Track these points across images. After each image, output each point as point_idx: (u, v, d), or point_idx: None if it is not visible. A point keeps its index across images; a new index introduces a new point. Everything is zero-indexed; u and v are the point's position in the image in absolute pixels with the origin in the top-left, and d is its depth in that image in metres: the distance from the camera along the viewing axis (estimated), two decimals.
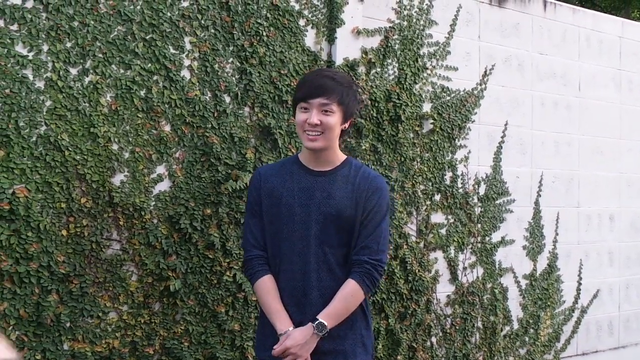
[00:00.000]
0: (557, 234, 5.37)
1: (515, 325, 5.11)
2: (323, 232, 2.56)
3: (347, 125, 2.66)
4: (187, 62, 3.64)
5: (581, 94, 5.54)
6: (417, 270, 4.50)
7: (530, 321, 5.19)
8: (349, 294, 2.58)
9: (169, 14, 3.57)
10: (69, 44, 3.26)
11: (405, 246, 4.45)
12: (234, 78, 3.79)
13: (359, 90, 2.77)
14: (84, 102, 3.32)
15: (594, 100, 5.64)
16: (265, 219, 2.66)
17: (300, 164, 2.69)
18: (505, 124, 5.05)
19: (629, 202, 5.89)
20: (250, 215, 2.74)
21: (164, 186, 3.58)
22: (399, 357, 4.42)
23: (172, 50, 3.59)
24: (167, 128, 3.59)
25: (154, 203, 3.54)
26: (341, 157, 2.70)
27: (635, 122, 5.95)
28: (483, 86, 4.92)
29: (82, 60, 3.31)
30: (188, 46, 3.64)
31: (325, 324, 2.52)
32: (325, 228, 2.56)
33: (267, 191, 2.67)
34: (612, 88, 5.78)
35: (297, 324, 2.60)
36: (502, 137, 5.02)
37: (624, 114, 5.87)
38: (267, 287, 2.64)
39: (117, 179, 3.43)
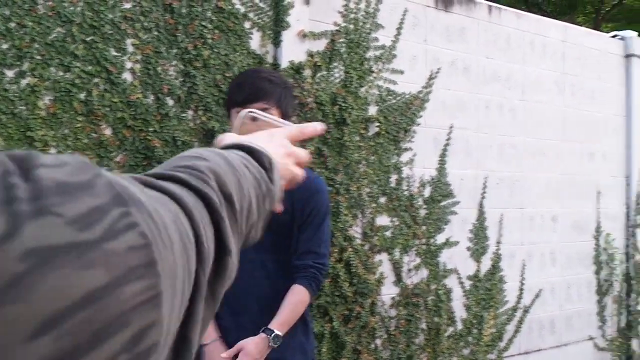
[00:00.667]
0: (500, 235, 5.46)
1: (459, 326, 5.18)
2: (260, 240, 2.50)
3: None
4: (129, 65, 3.58)
5: (525, 97, 5.63)
6: (362, 273, 4.52)
7: (474, 321, 5.26)
8: (299, 301, 2.55)
9: (110, 16, 3.51)
10: (5, 46, 3.18)
11: (350, 249, 4.47)
12: (177, 81, 3.75)
13: (293, 89, 2.67)
14: (21, 106, 3.25)
15: (538, 103, 5.74)
16: None
17: None
18: (451, 127, 5.10)
19: (570, 203, 6.02)
20: None
21: None
22: None
23: (113, 53, 3.53)
24: (108, 132, 3.53)
25: None
26: None
27: (577, 125, 6.08)
28: (429, 89, 4.96)
29: (19, 62, 3.24)
30: (130, 48, 3.59)
31: (280, 334, 2.47)
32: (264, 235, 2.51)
33: None
34: (555, 91, 5.89)
35: (231, 332, 2.55)
36: (447, 140, 5.07)
37: (567, 117, 5.99)
38: None
39: None
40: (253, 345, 2.41)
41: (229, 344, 2.51)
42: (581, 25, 15.11)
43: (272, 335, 2.44)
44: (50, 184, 0.48)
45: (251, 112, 1.21)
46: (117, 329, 0.47)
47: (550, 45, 5.85)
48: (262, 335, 2.44)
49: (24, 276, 0.43)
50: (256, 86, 2.45)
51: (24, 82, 3.26)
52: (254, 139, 1.01)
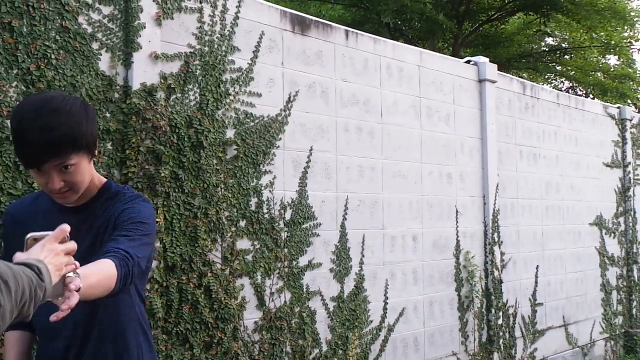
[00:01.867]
0: (363, 256, 5.53)
1: (324, 348, 5.19)
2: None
3: (95, 152, 2.17)
4: None
5: (383, 120, 5.77)
6: (222, 298, 4.44)
7: (339, 342, 5.28)
8: (106, 269, 1.94)
9: None
10: None
11: (209, 274, 4.39)
12: (18, 103, 3.57)
13: (87, 108, 2.10)
14: None
15: (396, 126, 5.89)
16: None
17: (52, 200, 2.21)
18: (310, 149, 5.14)
19: (430, 223, 6.20)
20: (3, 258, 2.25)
21: None
22: None
23: None
24: None
25: None
26: (98, 184, 2.24)
27: (434, 147, 6.29)
28: (287, 112, 4.98)
29: None
30: None
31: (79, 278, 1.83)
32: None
33: (18, 234, 2.09)
34: (412, 114, 6.08)
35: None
36: (307, 162, 5.11)
37: (424, 139, 6.18)
38: (10, 343, 2.28)
39: None
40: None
41: None
42: (441, 50, 15.83)
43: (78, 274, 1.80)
44: None
45: (30, 236, 1.75)
46: None
47: (406, 70, 6.04)
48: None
49: None
50: (41, 142, 1.94)
51: None
52: (32, 254, 1.66)
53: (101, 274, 1.89)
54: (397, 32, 14.44)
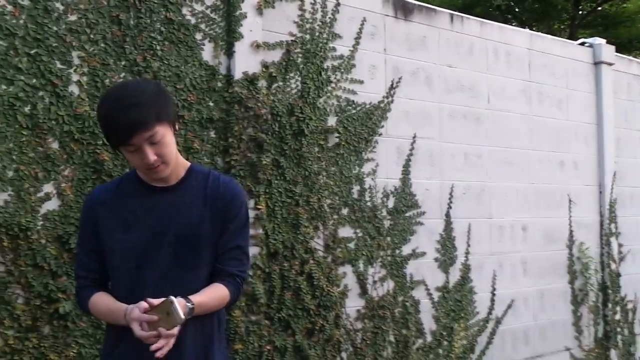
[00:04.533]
0: (469, 246, 5.41)
1: (429, 338, 5.11)
2: (179, 255, 2.25)
3: (177, 127, 2.31)
4: (75, 77, 3.54)
5: (490, 105, 5.61)
6: (324, 286, 4.46)
7: (444, 333, 5.19)
8: (221, 297, 2.28)
9: (55, 28, 3.47)
10: None
11: (311, 261, 4.41)
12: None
13: (162, 87, 2.32)
14: None
15: (504, 111, 5.71)
16: (107, 247, 2.28)
17: (140, 181, 2.32)
18: (414, 137, 5.07)
19: (540, 212, 5.98)
20: (81, 245, 2.38)
21: (52, 205, 3.47)
22: None
23: (59, 65, 3.49)
24: (55, 145, 3.48)
25: (41, 222, 3.43)
26: (184, 164, 2.36)
27: (545, 133, 6.05)
28: (390, 99, 4.93)
29: None
30: (76, 61, 3.55)
31: (193, 309, 2.16)
32: (181, 249, 2.25)
33: (106, 217, 2.29)
34: (521, 100, 5.87)
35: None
36: (410, 150, 5.04)
37: (534, 125, 5.96)
38: (101, 299, 2.30)
39: (0, 199, 3.31)
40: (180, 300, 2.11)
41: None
42: (557, 33, 15.22)
43: (190, 305, 2.14)
44: None
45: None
46: None
47: (515, 54, 5.84)
48: (183, 300, 2.13)
49: None
50: (127, 120, 2.09)
51: None
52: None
53: (215, 301, 2.27)
54: (509, 14, 14.00)
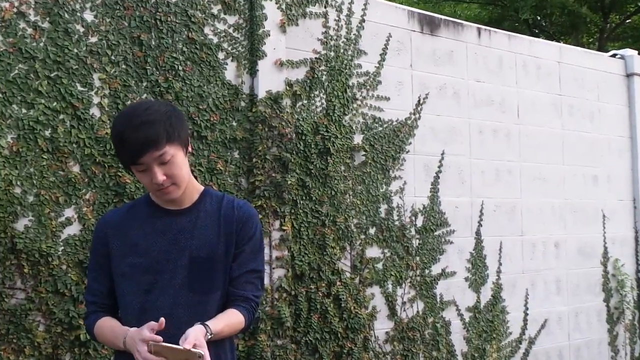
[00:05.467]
0: (500, 264, 5.26)
1: None
2: (193, 279, 2.19)
3: (189, 149, 2.27)
4: (96, 100, 3.49)
5: (520, 120, 5.47)
6: (352, 308, 4.35)
7: (476, 355, 5.05)
8: (236, 323, 2.22)
9: (75, 51, 3.43)
10: None
11: (338, 282, 4.30)
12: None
13: (175, 108, 2.24)
14: None
15: (535, 126, 5.57)
16: (117, 271, 2.23)
17: (153, 204, 2.27)
18: (442, 154, 4.95)
19: (574, 228, 5.81)
20: (91, 269, 2.32)
21: (73, 229, 3.41)
22: None
23: (79, 88, 3.44)
24: (76, 169, 3.43)
25: (62, 248, 3.38)
26: (198, 187, 2.31)
27: (577, 148, 5.89)
28: (417, 115, 4.82)
29: None
30: (97, 83, 3.50)
31: (212, 336, 2.10)
32: (195, 273, 2.20)
33: (116, 240, 2.24)
34: (552, 113, 5.73)
35: None
36: (439, 167, 4.92)
37: (566, 139, 5.81)
38: (107, 323, 2.23)
39: (21, 224, 3.26)
40: (199, 332, 2.03)
41: None
42: (586, 46, 14.99)
43: (209, 334, 2.06)
44: None
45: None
46: None
47: (545, 67, 5.70)
48: (203, 328, 2.06)
49: None
50: (137, 138, 2.07)
51: None
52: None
53: (232, 328, 2.21)
54: (537, 28, 13.83)
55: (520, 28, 13.03)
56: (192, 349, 1.91)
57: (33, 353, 3.26)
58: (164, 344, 1.94)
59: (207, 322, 2.10)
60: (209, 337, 2.07)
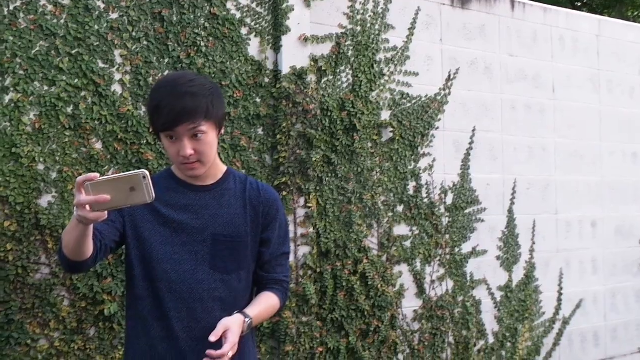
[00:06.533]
0: (533, 243, 5.16)
1: (491, 339, 4.90)
2: (214, 256, 2.16)
3: (222, 131, 2.25)
4: (117, 76, 3.49)
5: (556, 96, 5.33)
6: (379, 285, 4.31)
7: (507, 334, 4.97)
8: (272, 306, 2.28)
9: (96, 27, 3.42)
10: None
11: (365, 260, 4.26)
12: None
13: (219, 90, 2.20)
14: (5, 122, 3.19)
15: (571, 102, 5.42)
16: (136, 234, 2.16)
17: (177, 179, 2.23)
18: (473, 130, 4.85)
19: (612, 207, 5.66)
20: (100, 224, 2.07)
21: None
22: None
23: (100, 65, 3.45)
24: (98, 145, 3.44)
25: None
26: (222, 167, 2.29)
27: (616, 124, 5.72)
28: (447, 91, 4.73)
29: (0, 78, 3.18)
30: (119, 60, 3.50)
31: (252, 324, 2.16)
32: (217, 251, 2.17)
33: (136, 213, 2.15)
34: (589, 89, 5.56)
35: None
36: (469, 144, 4.82)
37: (604, 115, 5.64)
38: None
39: (45, 200, 3.29)
40: (237, 327, 2.06)
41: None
42: (631, 19, 14.52)
43: (249, 320, 2.11)
44: None
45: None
46: None
47: (582, 41, 5.53)
48: (241, 316, 2.10)
49: None
50: (177, 106, 2.06)
51: (7, 97, 3.19)
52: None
53: (269, 311, 2.28)
54: (579, 1, 13.45)
55: (561, 1, 12.67)
56: (134, 171, 1.75)
57: (58, 327, 3.30)
58: (101, 178, 1.73)
59: (246, 310, 2.14)
60: (249, 322, 2.11)
